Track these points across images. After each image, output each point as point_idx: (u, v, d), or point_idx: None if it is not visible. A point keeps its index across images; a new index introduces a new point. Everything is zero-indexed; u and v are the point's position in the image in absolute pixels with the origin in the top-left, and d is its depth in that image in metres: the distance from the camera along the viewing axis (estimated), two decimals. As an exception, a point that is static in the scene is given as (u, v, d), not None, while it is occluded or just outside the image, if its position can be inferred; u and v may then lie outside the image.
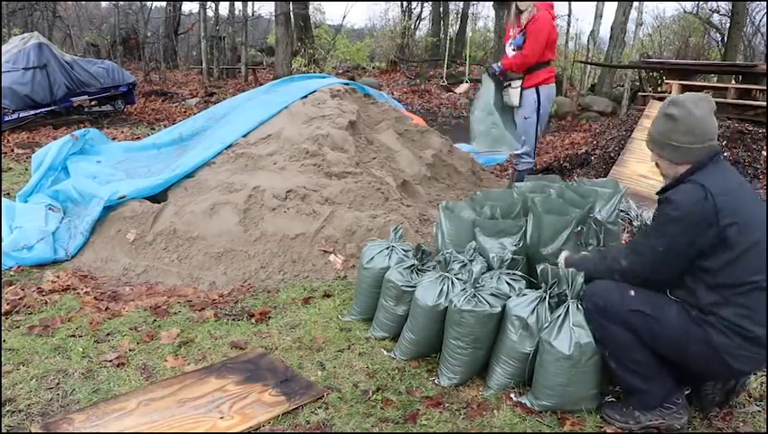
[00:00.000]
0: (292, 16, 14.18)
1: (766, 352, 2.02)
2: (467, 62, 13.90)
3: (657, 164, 2.23)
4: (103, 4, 21.78)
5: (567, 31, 15.96)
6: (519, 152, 4.95)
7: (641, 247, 2.16)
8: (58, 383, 2.43)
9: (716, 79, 10.52)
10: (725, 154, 5.17)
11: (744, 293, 1.98)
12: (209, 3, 16.99)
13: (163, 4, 19.94)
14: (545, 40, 4.71)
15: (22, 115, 8.32)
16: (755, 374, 2.54)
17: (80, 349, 2.69)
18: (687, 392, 2.32)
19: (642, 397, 2.20)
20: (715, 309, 2.01)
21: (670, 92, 5.66)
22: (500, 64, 4.89)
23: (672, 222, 2.02)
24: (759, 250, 1.98)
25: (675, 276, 2.11)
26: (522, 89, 4.83)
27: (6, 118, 8.09)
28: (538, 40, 4.68)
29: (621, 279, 2.20)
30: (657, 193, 2.18)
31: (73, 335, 2.82)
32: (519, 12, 4.78)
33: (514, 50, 4.82)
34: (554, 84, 4.99)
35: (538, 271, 2.43)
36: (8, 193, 5.00)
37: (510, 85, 4.89)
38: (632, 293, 2.15)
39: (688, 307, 2.07)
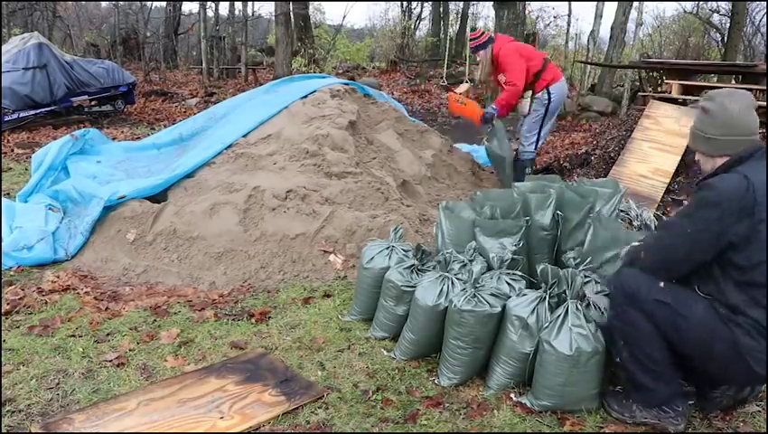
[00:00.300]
0: (292, 16, 14.19)
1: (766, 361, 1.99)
2: (467, 62, 13.92)
3: (698, 161, 2.21)
4: (103, 4, 21.82)
5: (567, 31, 15.97)
6: (522, 143, 5.27)
7: (671, 228, 2.10)
8: (58, 383, 2.43)
9: (716, 79, 10.51)
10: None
11: None
12: (209, 3, 17.01)
13: (163, 4, 19.97)
14: (519, 60, 4.94)
15: (22, 115, 8.32)
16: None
17: (80, 349, 2.69)
18: (691, 403, 2.30)
19: (646, 394, 2.19)
20: (743, 309, 1.97)
21: (670, 92, 5.65)
22: (494, 106, 5.14)
23: (708, 207, 1.96)
24: None
25: (694, 264, 2.04)
26: (533, 96, 5.11)
27: (6, 118, 8.09)
28: (516, 64, 4.92)
29: (645, 252, 2.14)
30: (695, 185, 2.16)
31: (73, 335, 2.82)
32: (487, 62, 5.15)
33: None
34: (563, 81, 5.19)
35: (538, 271, 2.44)
36: (8, 193, 5.00)
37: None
38: (662, 285, 2.09)
39: (716, 305, 2.02)
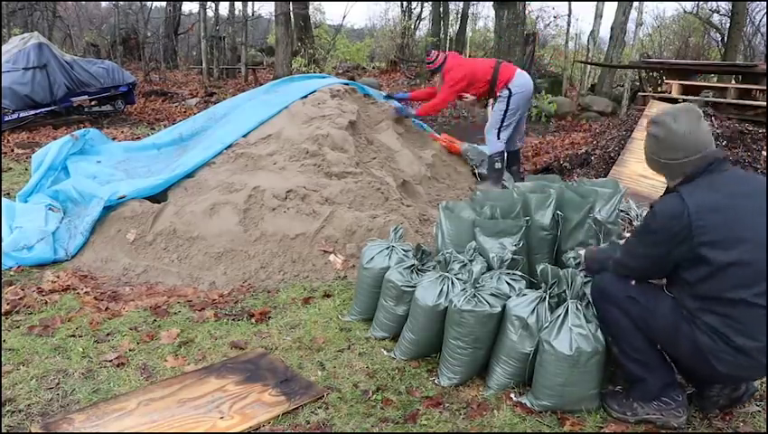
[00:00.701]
0: (292, 16, 14.19)
1: (766, 364, 1.99)
2: (467, 62, 13.86)
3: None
4: (103, 4, 21.83)
5: (567, 31, 15.95)
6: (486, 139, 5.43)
7: (628, 246, 2.21)
8: (58, 383, 2.43)
9: (716, 79, 10.52)
10: (725, 154, 5.15)
11: (729, 305, 1.95)
12: (209, 3, 17.01)
13: (163, 4, 19.97)
14: (452, 89, 5.29)
15: (22, 115, 8.32)
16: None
17: (80, 349, 2.69)
18: (689, 392, 2.32)
19: (641, 385, 2.22)
20: (699, 314, 2.01)
21: (670, 92, 5.66)
22: (413, 109, 5.62)
23: (650, 233, 2.06)
24: (744, 266, 1.92)
25: (658, 276, 2.16)
26: (496, 97, 5.33)
27: (6, 118, 8.08)
28: (448, 89, 5.31)
29: (613, 270, 2.25)
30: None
31: (73, 335, 2.82)
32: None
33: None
34: (519, 73, 5.31)
35: (538, 271, 2.44)
36: (8, 193, 5.00)
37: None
38: (633, 283, 2.20)
39: (680, 305, 2.08)
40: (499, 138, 5.27)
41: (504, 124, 5.25)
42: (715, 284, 1.95)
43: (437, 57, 5.38)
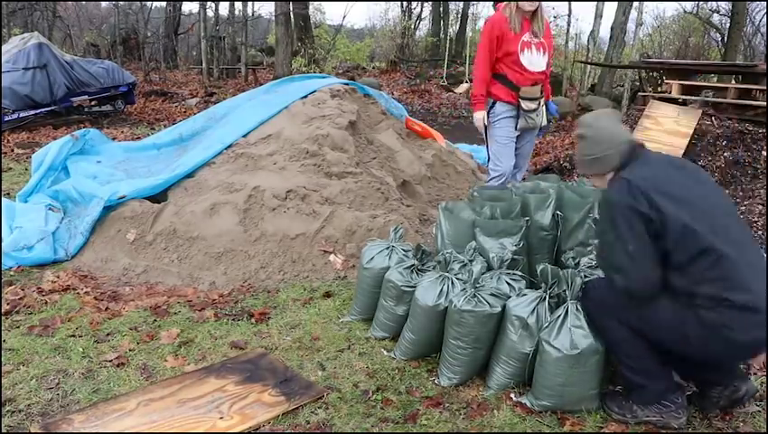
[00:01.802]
0: (292, 16, 14.20)
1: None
2: (467, 62, 13.93)
3: (594, 184, 2.42)
4: (103, 4, 21.82)
5: (567, 31, 15.95)
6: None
7: (616, 261, 2.08)
8: (58, 383, 2.43)
9: (716, 79, 10.52)
10: (726, 154, 5.18)
11: (710, 266, 1.95)
12: (209, 3, 17.01)
13: (163, 4, 19.97)
14: None
15: (22, 115, 8.32)
16: (755, 375, 2.55)
17: (80, 349, 2.69)
18: (688, 393, 2.32)
19: (641, 391, 2.22)
20: (691, 289, 2.00)
21: (670, 92, 5.66)
22: (555, 108, 4.04)
23: (620, 219, 2.03)
24: (700, 218, 1.98)
25: (658, 267, 2.03)
26: (541, 103, 3.91)
27: (6, 118, 8.08)
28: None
29: (629, 298, 2.11)
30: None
31: (73, 335, 2.82)
32: (529, 12, 3.68)
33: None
34: None
35: (538, 271, 2.44)
36: (8, 193, 5.00)
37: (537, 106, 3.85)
38: None
39: (674, 296, 2.06)
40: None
41: None
42: (689, 243, 1.96)
43: None
